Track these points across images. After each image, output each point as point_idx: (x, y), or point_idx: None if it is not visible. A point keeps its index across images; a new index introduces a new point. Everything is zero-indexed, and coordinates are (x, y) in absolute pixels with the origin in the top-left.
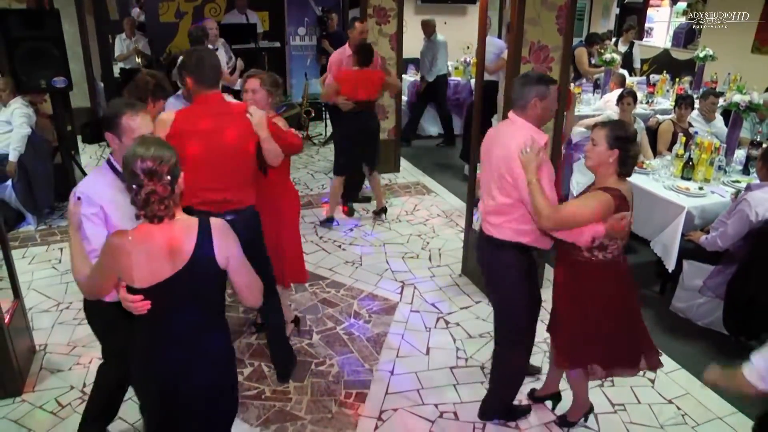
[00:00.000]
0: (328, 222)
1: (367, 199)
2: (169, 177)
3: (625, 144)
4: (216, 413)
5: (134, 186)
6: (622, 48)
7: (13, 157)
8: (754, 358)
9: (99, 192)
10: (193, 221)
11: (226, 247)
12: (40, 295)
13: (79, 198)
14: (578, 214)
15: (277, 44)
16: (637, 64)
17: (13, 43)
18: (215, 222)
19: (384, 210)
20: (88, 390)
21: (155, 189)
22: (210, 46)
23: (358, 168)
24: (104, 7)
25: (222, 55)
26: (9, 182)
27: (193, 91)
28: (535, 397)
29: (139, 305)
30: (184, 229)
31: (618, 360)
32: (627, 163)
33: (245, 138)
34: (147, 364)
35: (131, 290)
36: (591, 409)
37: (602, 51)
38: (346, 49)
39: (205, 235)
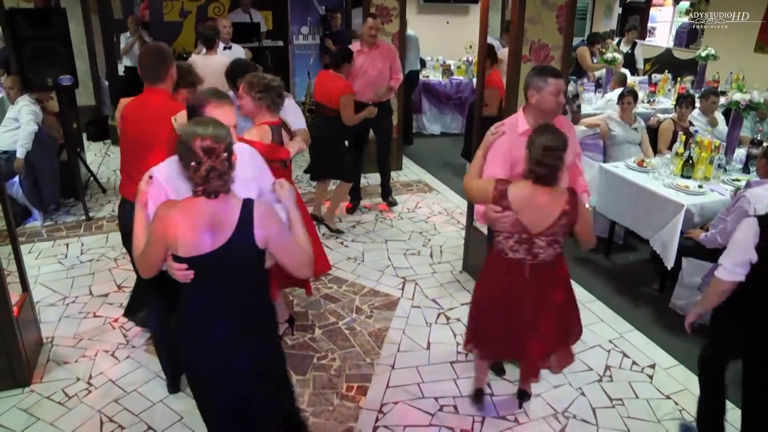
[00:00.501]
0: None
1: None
2: (225, 154)
3: (530, 148)
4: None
5: (193, 163)
6: (625, 48)
7: (20, 154)
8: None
9: (169, 177)
10: (238, 201)
11: (267, 229)
12: (47, 289)
13: (151, 177)
14: (469, 188)
15: (281, 43)
16: (640, 65)
17: (21, 42)
18: (258, 204)
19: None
20: (94, 382)
21: (214, 165)
22: (222, 45)
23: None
24: (109, 6)
25: (240, 53)
26: (16, 178)
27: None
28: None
29: (183, 273)
30: (229, 207)
31: (488, 349)
32: (531, 168)
33: (156, 135)
34: (194, 334)
35: (177, 260)
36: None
37: (603, 50)
38: (356, 45)
39: (247, 217)
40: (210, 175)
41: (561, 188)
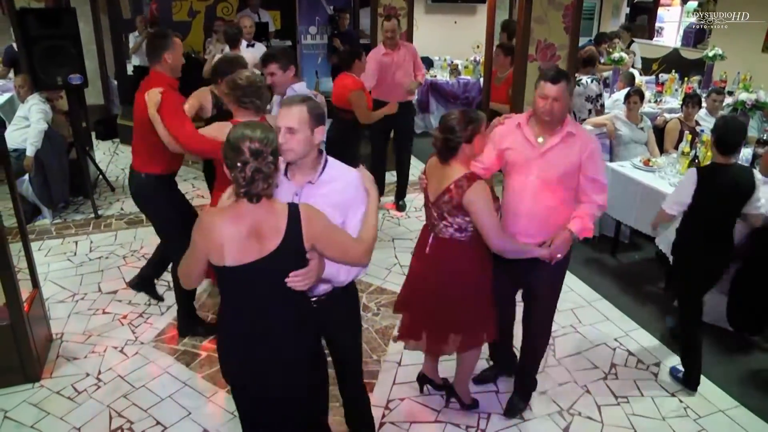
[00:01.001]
0: None
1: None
2: (271, 157)
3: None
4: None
5: (239, 164)
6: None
7: (30, 152)
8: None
9: None
10: (284, 206)
11: (312, 230)
12: (56, 286)
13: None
14: None
15: (289, 43)
16: (638, 64)
17: (32, 41)
18: (303, 206)
19: None
20: (103, 377)
21: (260, 167)
22: (245, 43)
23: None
24: (118, 5)
25: (262, 50)
26: (26, 176)
27: None
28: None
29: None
30: (275, 213)
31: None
32: (433, 142)
33: (142, 110)
34: (241, 350)
35: (220, 271)
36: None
37: (611, 50)
38: (380, 48)
39: (295, 220)
40: (255, 176)
41: (459, 168)
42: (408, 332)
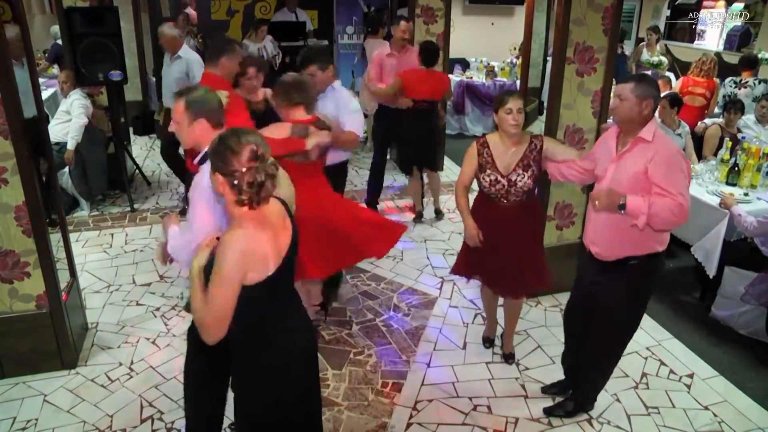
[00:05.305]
0: (419, 218)
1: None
2: (271, 160)
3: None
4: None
5: (243, 169)
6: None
7: (70, 146)
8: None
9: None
10: (274, 199)
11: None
12: (92, 276)
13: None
14: None
15: (326, 42)
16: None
17: (77, 39)
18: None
19: (437, 212)
20: (135, 367)
21: (267, 170)
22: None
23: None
24: (158, 5)
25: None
26: (66, 169)
27: None
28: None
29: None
30: (278, 207)
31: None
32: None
33: None
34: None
35: (261, 286)
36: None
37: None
38: (386, 48)
39: (288, 209)
40: (265, 179)
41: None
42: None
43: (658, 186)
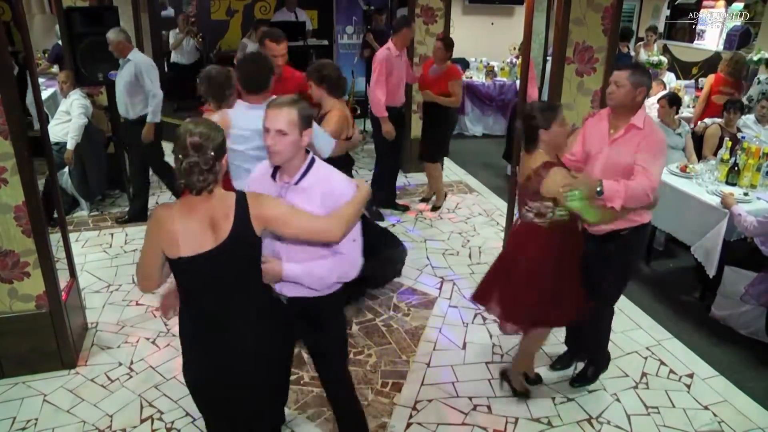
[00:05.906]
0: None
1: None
2: (212, 153)
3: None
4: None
5: (179, 156)
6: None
7: (70, 146)
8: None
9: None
10: (231, 196)
11: (260, 212)
12: (92, 276)
13: None
14: None
15: (326, 42)
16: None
17: (76, 38)
18: (249, 192)
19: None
20: (135, 367)
21: (198, 161)
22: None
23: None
24: (158, 5)
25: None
26: (65, 169)
27: None
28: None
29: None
30: (223, 203)
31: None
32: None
33: None
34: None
35: (177, 265)
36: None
37: (649, 52)
38: (392, 49)
39: (241, 206)
40: (193, 169)
41: (541, 157)
42: (482, 294)
43: (641, 165)
